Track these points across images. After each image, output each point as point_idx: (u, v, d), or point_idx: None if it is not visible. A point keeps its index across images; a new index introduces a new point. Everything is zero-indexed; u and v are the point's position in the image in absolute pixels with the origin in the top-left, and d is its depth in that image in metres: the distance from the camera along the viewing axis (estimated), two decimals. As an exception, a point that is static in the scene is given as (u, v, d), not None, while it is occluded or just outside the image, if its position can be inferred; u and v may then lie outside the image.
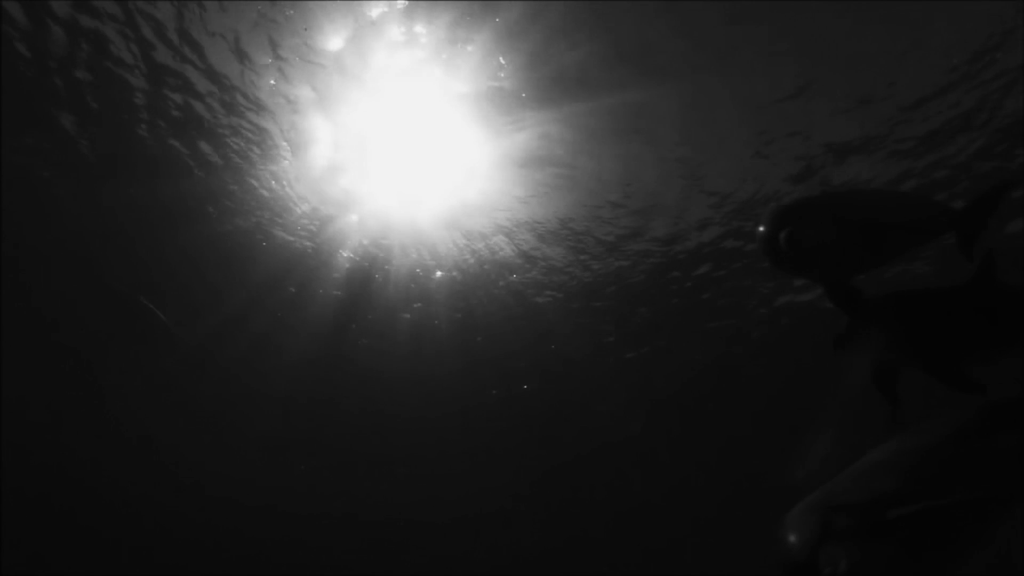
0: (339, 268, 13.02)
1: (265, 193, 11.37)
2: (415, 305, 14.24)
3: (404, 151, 10.06)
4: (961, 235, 4.24)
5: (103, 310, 13.71)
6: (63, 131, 10.16)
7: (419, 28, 8.19)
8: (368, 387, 17.22)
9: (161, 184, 11.11)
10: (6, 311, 14.26)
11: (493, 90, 8.95)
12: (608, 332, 14.92)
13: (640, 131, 9.81)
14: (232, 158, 10.65)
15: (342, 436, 19.88)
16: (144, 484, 22.89)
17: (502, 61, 8.57)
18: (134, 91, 9.41)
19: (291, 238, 12.42)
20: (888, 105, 9.19)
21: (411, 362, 15.97)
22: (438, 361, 15.89)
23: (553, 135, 9.78)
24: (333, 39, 8.43)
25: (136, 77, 9.17)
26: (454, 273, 13.11)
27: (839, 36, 8.21)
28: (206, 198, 11.55)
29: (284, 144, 10.26)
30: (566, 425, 18.26)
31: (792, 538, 3.23)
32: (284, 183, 11.12)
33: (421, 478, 22.52)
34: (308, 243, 12.50)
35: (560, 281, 13.42)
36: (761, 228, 3.73)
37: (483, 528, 26.19)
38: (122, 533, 25.46)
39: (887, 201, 4.35)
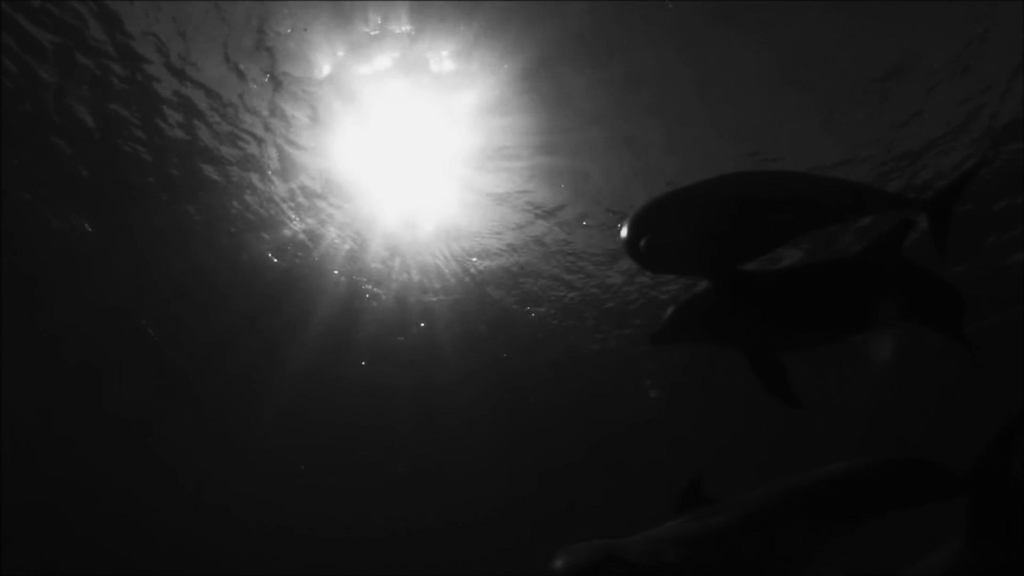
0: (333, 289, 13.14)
1: (262, 213, 11.50)
2: (416, 326, 14.37)
3: (402, 169, 10.17)
4: (935, 221, 3.97)
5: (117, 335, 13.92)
6: (57, 153, 10.30)
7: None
8: (369, 402, 17.27)
9: (158, 204, 11.30)
10: (12, 324, 14.42)
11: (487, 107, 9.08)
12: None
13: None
14: (229, 176, 10.78)
15: (346, 448, 19.95)
16: (147, 491, 22.98)
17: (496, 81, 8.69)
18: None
19: (283, 261, 12.54)
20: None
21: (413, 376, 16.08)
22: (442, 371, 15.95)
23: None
24: (326, 63, 8.58)
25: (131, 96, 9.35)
26: (455, 295, 13.23)
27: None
28: (203, 218, 11.69)
29: (276, 162, 10.39)
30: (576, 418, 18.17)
31: (559, 566, 3.16)
32: (280, 203, 11.25)
33: (426, 486, 22.54)
34: (302, 264, 12.61)
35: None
36: (623, 234, 3.47)
37: (486, 531, 26.17)
38: (124, 538, 25.53)
39: (772, 184, 3.91)
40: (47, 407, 17.86)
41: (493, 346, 15.07)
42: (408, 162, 10.00)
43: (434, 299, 13.43)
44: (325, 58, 8.52)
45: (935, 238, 3.99)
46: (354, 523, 25.55)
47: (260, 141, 9.99)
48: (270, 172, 10.58)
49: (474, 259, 12.38)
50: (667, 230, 3.37)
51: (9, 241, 12.10)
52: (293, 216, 11.44)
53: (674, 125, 9.48)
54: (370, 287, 13.05)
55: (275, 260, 12.49)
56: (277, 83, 8.93)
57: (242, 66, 8.74)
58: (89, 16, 8.18)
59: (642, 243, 3.35)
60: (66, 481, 22.06)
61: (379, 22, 8.04)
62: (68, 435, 19.37)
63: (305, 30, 8.17)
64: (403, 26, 8.05)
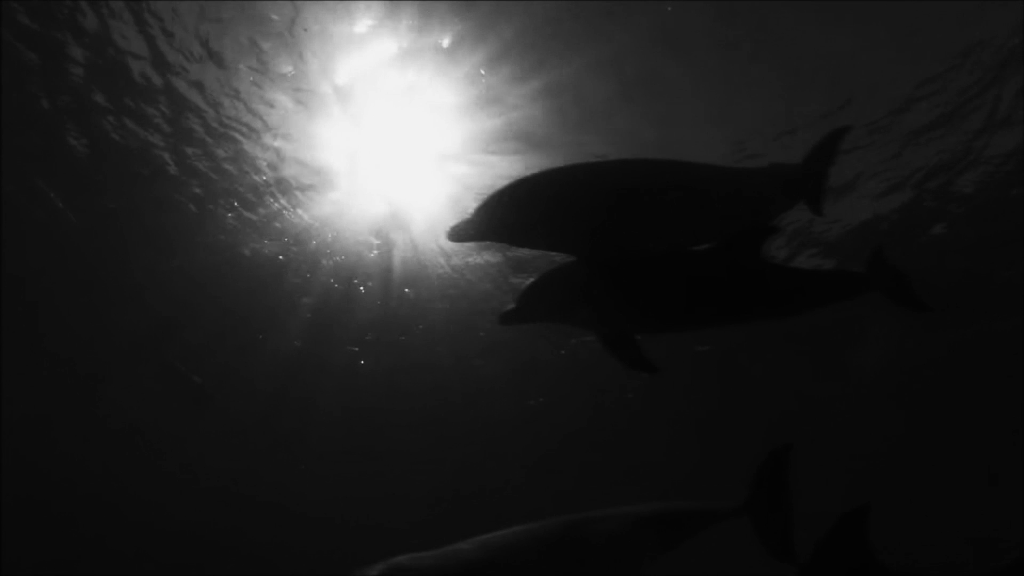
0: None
1: (258, 207, 11.49)
2: (417, 328, 14.37)
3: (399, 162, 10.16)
4: (809, 187, 3.97)
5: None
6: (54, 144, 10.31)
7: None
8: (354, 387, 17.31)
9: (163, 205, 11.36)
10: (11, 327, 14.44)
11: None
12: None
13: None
14: (222, 170, 10.79)
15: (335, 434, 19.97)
16: (141, 483, 23.00)
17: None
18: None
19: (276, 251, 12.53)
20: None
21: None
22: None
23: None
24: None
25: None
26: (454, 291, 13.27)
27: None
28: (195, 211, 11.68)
29: (273, 155, 10.39)
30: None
31: None
32: (276, 197, 11.23)
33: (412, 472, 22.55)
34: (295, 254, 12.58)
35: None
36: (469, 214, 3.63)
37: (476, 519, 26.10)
38: (118, 532, 25.55)
39: (642, 173, 3.72)
40: (42, 405, 17.86)
41: (492, 345, 15.10)
42: (400, 161, 9.99)
43: (431, 297, 13.46)
44: (322, 55, 8.51)
45: (808, 200, 4.02)
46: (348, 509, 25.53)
47: (256, 134, 9.99)
48: (265, 165, 10.57)
49: (470, 258, 12.40)
50: (486, 225, 3.53)
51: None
52: (288, 210, 11.43)
53: (670, 125, 9.50)
54: (368, 285, 13.06)
55: (267, 251, 12.52)
56: (272, 77, 8.94)
57: (241, 62, 8.77)
58: (87, 8, 8.19)
59: (450, 232, 3.56)
60: (63, 480, 22.08)
61: (372, 22, 8.04)
62: (64, 433, 19.40)
63: (305, 30, 8.19)
64: (398, 23, 8.04)
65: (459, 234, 3.59)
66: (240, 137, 10.06)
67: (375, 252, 12.13)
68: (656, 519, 4.10)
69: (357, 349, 15.29)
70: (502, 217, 3.52)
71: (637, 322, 3.91)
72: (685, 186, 3.71)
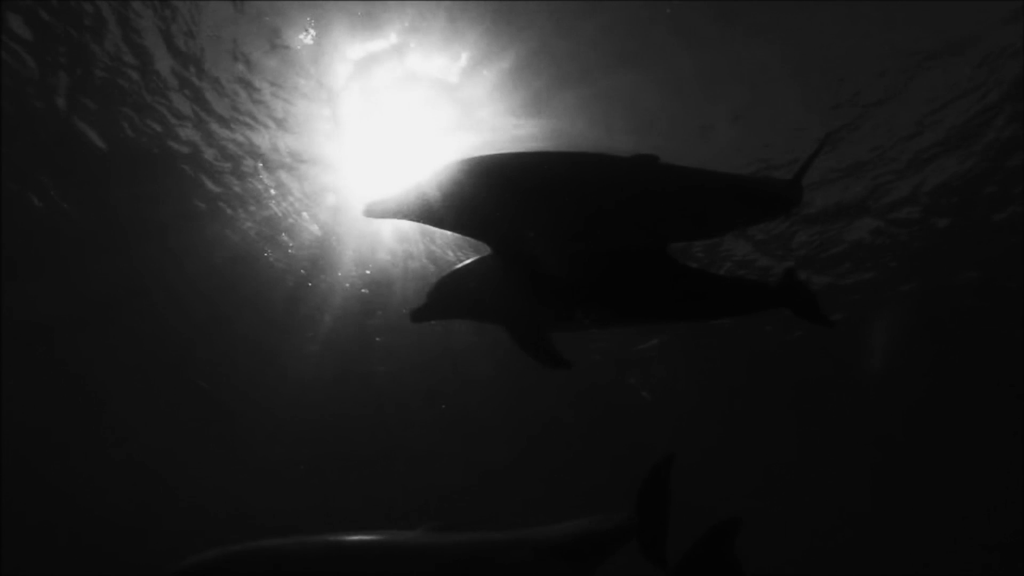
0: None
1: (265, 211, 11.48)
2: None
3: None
4: (792, 201, 4.00)
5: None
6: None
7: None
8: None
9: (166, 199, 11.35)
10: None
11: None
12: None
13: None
14: (237, 176, 10.81)
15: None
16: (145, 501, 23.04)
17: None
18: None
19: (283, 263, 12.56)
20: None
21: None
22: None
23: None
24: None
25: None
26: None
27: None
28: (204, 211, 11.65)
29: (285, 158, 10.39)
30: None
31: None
32: (286, 199, 11.21)
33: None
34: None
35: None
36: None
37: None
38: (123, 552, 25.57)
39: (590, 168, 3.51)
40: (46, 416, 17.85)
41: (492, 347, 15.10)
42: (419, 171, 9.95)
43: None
44: (332, 64, 8.53)
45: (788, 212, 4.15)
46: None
47: (273, 143, 10.01)
48: (278, 171, 10.57)
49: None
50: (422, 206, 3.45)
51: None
52: (298, 217, 11.43)
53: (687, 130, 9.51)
54: (370, 289, 13.06)
55: (270, 258, 12.53)
56: (285, 86, 8.98)
57: (251, 69, 8.80)
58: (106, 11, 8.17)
59: (366, 208, 3.46)
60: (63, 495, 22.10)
61: (392, 35, 8.08)
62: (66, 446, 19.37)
63: (307, 32, 8.17)
64: (411, 35, 8.06)
65: (374, 210, 3.47)
66: (256, 145, 10.07)
67: (389, 258, 12.17)
68: (562, 546, 3.99)
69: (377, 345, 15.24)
70: (419, 196, 3.43)
71: (547, 318, 3.86)
72: (634, 186, 3.49)
